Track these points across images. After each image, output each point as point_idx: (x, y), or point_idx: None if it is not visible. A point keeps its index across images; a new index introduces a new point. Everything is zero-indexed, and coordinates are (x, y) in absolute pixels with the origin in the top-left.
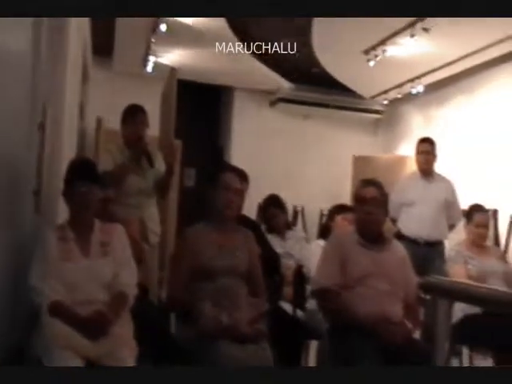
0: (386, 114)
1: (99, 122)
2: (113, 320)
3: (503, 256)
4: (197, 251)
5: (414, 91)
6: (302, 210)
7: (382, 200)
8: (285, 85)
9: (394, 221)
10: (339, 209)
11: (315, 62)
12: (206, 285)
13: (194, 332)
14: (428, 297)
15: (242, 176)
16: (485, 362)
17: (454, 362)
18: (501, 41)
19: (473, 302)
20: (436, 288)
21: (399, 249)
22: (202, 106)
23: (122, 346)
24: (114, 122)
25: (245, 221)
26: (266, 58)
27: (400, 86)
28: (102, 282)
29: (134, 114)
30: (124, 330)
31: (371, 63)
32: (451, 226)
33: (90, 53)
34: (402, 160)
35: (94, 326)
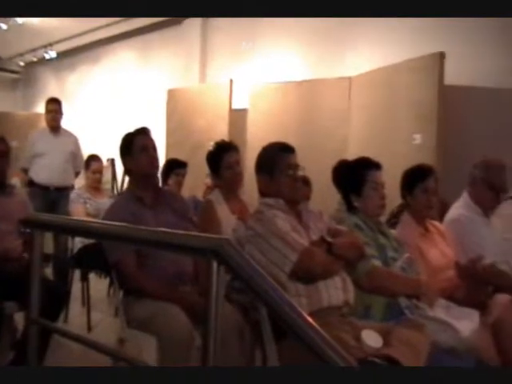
0: (23, 75)
1: None
2: None
3: (111, 195)
4: None
5: (47, 56)
6: None
7: (7, 152)
8: None
9: (26, 171)
10: None
11: None
12: None
13: None
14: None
15: None
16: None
17: (77, 286)
18: (120, 21)
19: (67, 232)
20: (34, 222)
21: (20, 196)
22: None
23: None
24: None
25: None
26: None
27: (35, 50)
28: None
29: None
30: None
31: (4, 26)
32: (77, 174)
33: None
34: (38, 117)
35: None
